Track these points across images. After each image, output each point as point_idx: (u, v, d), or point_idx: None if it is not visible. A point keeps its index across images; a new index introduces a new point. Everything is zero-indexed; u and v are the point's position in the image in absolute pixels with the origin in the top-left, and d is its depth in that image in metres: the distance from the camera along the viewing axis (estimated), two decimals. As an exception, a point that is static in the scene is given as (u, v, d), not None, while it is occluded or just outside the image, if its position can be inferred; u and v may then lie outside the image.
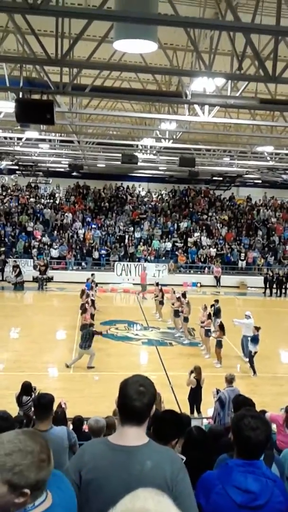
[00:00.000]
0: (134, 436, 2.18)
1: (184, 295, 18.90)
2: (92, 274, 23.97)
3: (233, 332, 15.77)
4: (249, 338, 14.57)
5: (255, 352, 14.26)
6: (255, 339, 14.22)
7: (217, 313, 17.52)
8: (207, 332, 15.82)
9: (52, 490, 1.86)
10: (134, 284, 27.83)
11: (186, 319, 17.63)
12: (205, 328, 15.94)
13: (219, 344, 14.95)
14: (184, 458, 2.98)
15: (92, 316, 15.33)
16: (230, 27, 6.92)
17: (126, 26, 5.44)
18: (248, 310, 16.44)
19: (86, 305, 16.72)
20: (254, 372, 14.18)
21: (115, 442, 2.20)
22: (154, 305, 21.47)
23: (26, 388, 8.71)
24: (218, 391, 9.32)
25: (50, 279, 26.87)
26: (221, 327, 15.09)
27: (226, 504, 2.29)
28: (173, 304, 18.95)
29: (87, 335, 14.08)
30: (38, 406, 4.13)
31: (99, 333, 14.84)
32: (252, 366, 14.27)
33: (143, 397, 2.18)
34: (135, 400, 2.17)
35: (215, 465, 3.32)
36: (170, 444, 2.86)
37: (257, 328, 14.32)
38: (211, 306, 17.65)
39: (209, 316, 16.16)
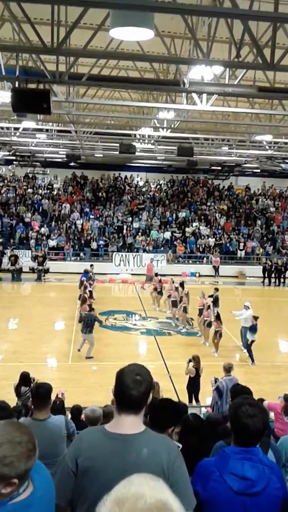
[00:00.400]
0: (130, 424, 2.20)
1: (182, 285, 18.93)
2: (91, 265, 23.99)
3: (231, 322, 15.83)
4: (247, 328, 14.63)
5: (253, 341, 14.33)
6: (253, 328, 14.28)
7: (215, 301, 17.59)
8: (208, 323, 15.84)
9: (32, 475, 1.91)
10: (132, 274, 27.85)
11: (185, 309, 17.67)
12: (204, 318, 15.99)
13: (218, 334, 15.00)
14: (180, 445, 3.00)
15: (90, 306, 15.37)
16: (227, 14, 6.85)
17: (122, 13, 5.38)
18: (247, 300, 16.51)
19: (85, 295, 16.76)
20: (253, 360, 14.26)
21: (112, 430, 2.22)
22: (152, 295, 21.49)
23: (25, 379, 8.74)
24: (216, 380, 9.38)
25: (46, 271, 26.82)
26: (218, 317, 15.14)
27: (223, 491, 2.30)
28: (169, 295, 18.98)
29: (89, 320, 14.18)
30: (36, 396, 4.15)
31: (99, 321, 14.94)
32: (250, 355, 14.35)
33: (140, 386, 2.19)
34: (132, 389, 2.18)
35: (212, 452, 3.35)
36: (166, 432, 2.88)
37: (255, 318, 14.38)
38: (210, 296, 17.70)
39: (208, 308, 16.20)
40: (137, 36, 5.88)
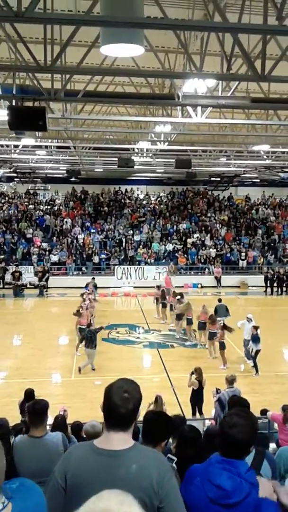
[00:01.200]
0: (119, 440, 2.18)
1: (181, 295, 18.89)
2: (93, 278, 23.98)
3: (235, 333, 15.76)
4: (249, 340, 14.59)
5: (258, 351, 14.23)
6: (255, 339, 14.21)
7: (218, 312, 17.54)
8: (212, 336, 15.78)
9: (14, 500, 1.79)
10: (134, 287, 27.83)
11: (189, 322, 17.64)
12: (209, 331, 15.94)
13: (222, 346, 14.94)
14: (175, 458, 2.98)
15: (88, 323, 15.33)
16: (217, 27, 6.94)
17: (112, 30, 5.46)
18: (250, 310, 16.47)
19: (80, 309, 16.69)
20: (257, 371, 14.16)
21: (101, 446, 2.20)
22: (155, 308, 21.45)
23: (29, 396, 8.69)
24: (218, 391, 9.32)
25: (43, 287, 26.70)
26: (224, 327, 15.09)
27: (200, 496, 2.34)
28: (173, 307, 18.95)
29: (89, 335, 14.14)
30: (32, 412, 4.12)
31: (100, 329, 14.87)
32: (255, 365, 14.25)
33: (128, 404, 2.18)
34: (120, 406, 2.17)
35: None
36: (159, 445, 2.86)
37: (256, 328, 14.33)
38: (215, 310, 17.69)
39: (210, 317, 16.14)
40: (127, 52, 5.96)
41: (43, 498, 1.96)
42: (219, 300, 18.59)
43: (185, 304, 17.90)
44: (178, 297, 18.89)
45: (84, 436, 5.74)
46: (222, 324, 15.34)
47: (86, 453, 2.23)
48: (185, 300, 18.39)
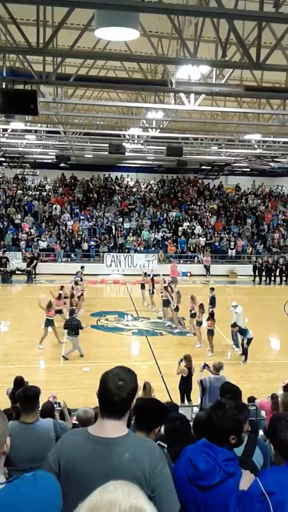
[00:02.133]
0: (113, 428, 2.19)
1: (170, 284, 18.95)
2: (82, 267, 23.85)
3: (223, 321, 15.88)
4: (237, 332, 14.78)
5: (250, 339, 14.29)
6: (243, 331, 14.32)
7: (212, 301, 17.66)
8: (199, 323, 15.90)
9: (17, 486, 1.76)
10: (123, 275, 27.82)
11: (176, 309, 17.70)
12: (197, 319, 16.03)
13: (210, 332, 15.05)
14: (165, 445, 2.99)
15: (71, 310, 15.25)
16: (213, 13, 6.85)
17: (107, 13, 5.36)
18: (238, 299, 16.60)
19: (51, 300, 16.64)
20: (245, 359, 14.27)
21: (95, 434, 2.21)
22: (144, 295, 21.47)
23: (19, 383, 8.67)
24: (205, 366, 9.44)
25: (29, 272, 26.54)
26: (212, 315, 15.19)
27: (181, 473, 2.45)
28: (161, 293, 18.99)
29: (73, 324, 14.15)
30: (23, 399, 4.10)
31: (82, 327, 14.69)
32: (245, 353, 14.31)
33: (122, 391, 2.18)
34: (115, 394, 2.17)
35: None
36: (153, 431, 2.88)
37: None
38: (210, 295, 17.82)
39: (200, 307, 16.20)
40: (122, 36, 5.87)
41: (58, 491, 1.89)
42: (212, 289, 18.67)
43: (175, 292, 17.97)
44: (166, 284, 18.88)
45: (75, 422, 5.74)
46: (210, 312, 15.44)
47: (80, 440, 2.23)
48: (176, 289, 18.44)
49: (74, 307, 16.48)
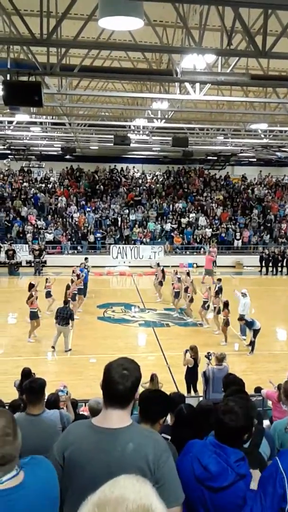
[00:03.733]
0: (117, 418, 2.19)
1: (188, 274, 19.06)
2: (86, 259, 23.78)
3: (231, 312, 15.86)
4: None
5: (257, 330, 14.30)
6: (250, 323, 14.30)
7: (219, 292, 17.68)
8: (204, 304, 15.98)
9: (26, 471, 1.90)
10: (130, 266, 27.83)
11: (191, 300, 17.78)
12: (213, 305, 16.09)
13: (226, 323, 15.07)
14: (169, 437, 3.00)
15: (65, 301, 15.27)
16: (217, 1, 6.76)
17: (111, 2, 5.31)
18: (245, 289, 16.54)
19: (48, 290, 16.67)
20: (252, 350, 14.26)
21: (98, 424, 2.22)
22: (153, 286, 21.49)
23: (27, 374, 8.73)
24: (209, 354, 9.49)
25: (43, 263, 26.83)
26: (226, 305, 15.18)
27: (188, 471, 2.40)
28: (172, 285, 19.02)
29: (65, 313, 14.19)
30: (29, 391, 4.13)
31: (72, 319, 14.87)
32: (252, 344, 14.31)
33: (126, 381, 2.19)
34: (119, 383, 2.18)
35: None
36: (158, 422, 2.89)
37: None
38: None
39: (216, 293, 16.24)
40: (126, 26, 5.81)
41: (53, 472, 2.06)
42: (219, 280, 18.71)
43: (190, 282, 18.04)
44: (179, 276, 18.96)
45: (82, 413, 5.77)
46: (224, 302, 15.44)
47: (84, 431, 2.25)
48: (191, 278, 18.54)
49: (69, 299, 16.57)
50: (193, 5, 9.28)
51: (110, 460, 2.06)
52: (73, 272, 20.02)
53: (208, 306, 16.71)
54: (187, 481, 2.36)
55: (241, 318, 14.81)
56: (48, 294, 18.16)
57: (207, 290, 17.09)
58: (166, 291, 20.36)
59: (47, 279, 18.91)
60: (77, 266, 20.67)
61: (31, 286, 16.36)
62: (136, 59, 13.09)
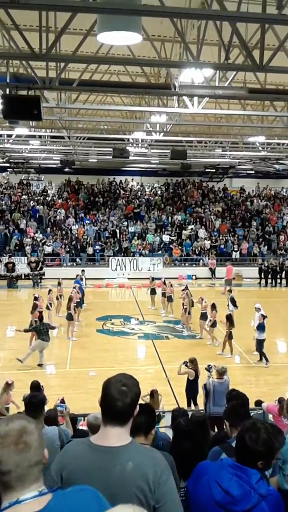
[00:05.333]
0: (116, 436, 2.14)
1: (186, 288, 19.03)
2: (82, 271, 23.67)
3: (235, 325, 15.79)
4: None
5: (261, 340, 14.23)
6: (260, 327, 14.23)
7: (233, 302, 17.64)
8: (214, 324, 15.88)
9: (55, 495, 1.61)
10: (129, 278, 27.79)
11: (187, 311, 17.73)
12: (201, 311, 16.01)
13: (229, 336, 14.98)
14: (170, 437, 2.98)
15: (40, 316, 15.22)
16: (215, 16, 6.83)
17: (109, 18, 5.36)
18: (244, 302, 16.55)
19: (36, 302, 16.64)
20: (267, 360, 14.19)
21: (97, 443, 2.16)
22: (153, 300, 21.39)
23: (35, 387, 8.65)
24: (210, 367, 9.41)
25: (41, 275, 26.78)
26: (228, 318, 15.10)
27: (206, 497, 2.30)
28: (180, 298, 18.90)
29: (44, 329, 14.11)
30: (29, 406, 4.07)
31: (52, 328, 14.98)
32: (263, 354, 14.25)
33: (125, 397, 2.14)
34: (117, 400, 2.13)
35: (209, 456, 3.31)
36: (150, 433, 2.88)
37: (264, 317, 14.41)
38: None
39: (212, 306, 16.16)
40: (125, 41, 5.87)
41: (91, 503, 1.65)
42: (230, 291, 18.83)
43: (186, 294, 18.02)
44: (187, 290, 18.94)
45: (81, 428, 5.69)
46: (226, 315, 15.36)
47: (82, 450, 2.19)
48: (187, 290, 18.53)
49: (73, 312, 16.54)
50: (191, 20, 9.40)
51: (110, 480, 2.00)
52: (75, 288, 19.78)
53: (207, 318, 16.61)
54: (206, 506, 2.28)
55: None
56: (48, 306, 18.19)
57: (200, 302, 16.95)
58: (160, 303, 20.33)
59: (50, 290, 18.85)
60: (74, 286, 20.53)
61: (35, 299, 16.71)
62: (135, 73, 13.21)
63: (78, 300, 18.74)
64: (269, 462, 2.48)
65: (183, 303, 18.16)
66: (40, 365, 14.05)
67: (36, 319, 15.28)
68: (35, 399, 4.11)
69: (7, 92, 9.84)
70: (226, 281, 24.54)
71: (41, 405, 4.12)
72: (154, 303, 21.01)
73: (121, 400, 2.13)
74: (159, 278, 22.72)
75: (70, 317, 16.81)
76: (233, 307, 17.46)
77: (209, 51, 9.95)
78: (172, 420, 5.20)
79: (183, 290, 18.83)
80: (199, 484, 2.37)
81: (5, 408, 8.93)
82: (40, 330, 14.07)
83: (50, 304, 18.44)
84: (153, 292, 21.09)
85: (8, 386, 8.98)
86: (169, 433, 5.49)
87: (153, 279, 21.71)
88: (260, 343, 14.31)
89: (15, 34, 8.25)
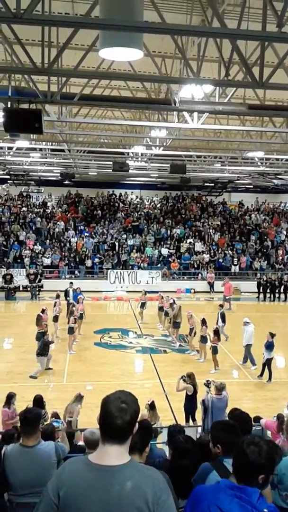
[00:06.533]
0: (115, 455, 2.10)
1: (173, 303, 18.93)
2: (71, 283, 23.31)
3: (229, 339, 15.73)
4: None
5: (270, 359, 14.12)
6: (270, 346, 14.08)
7: (222, 318, 17.64)
8: (204, 339, 15.76)
9: None
10: (127, 291, 27.73)
11: (177, 325, 17.65)
12: (201, 335, 15.93)
13: (214, 350, 14.90)
14: (166, 454, 2.95)
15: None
16: (215, 33, 6.92)
17: (111, 34, 5.42)
18: (243, 316, 16.46)
19: (40, 314, 16.61)
20: (270, 378, 14.10)
21: (95, 461, 2.11)
22: (142, 314, 21.26)
23: (38, 402, 8.58)
24: (208, 383, 9.34)
25: (40, 287, 26.70)
26: (216, 332, 15.06)
27: None
28: (169, 315, 18.87)
29: (43, 344, 14.33)
30: (24, 421, 3.99)
31: (50, 342, 15.11)
32: (269, 373, 14.16)
33: (125, 415, 2.10)
34: (116, 417, 2.09)
35: (198, 473, 3.25)
36: (144, 451, 2.85)
37: (272, 335, 14.09)
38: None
39: (203, 322, 16.06)
40: (126, 56, 5.92)
41: None
42: (221, 306, 18.89)
43: (176, 308, 17.92)
44: (171, 301, 18.89)
45: (79, 443, 5.63)
46: (214, 329, 15.31)
47: (80, 468, 2.14)
48: (178, 305, 18.42)
49: (74, 325, 16.53)
50: (191, 37, 9.52)
51: (108, 500, 1.96)
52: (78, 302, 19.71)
53: (195, 334, 16.51)
54: None
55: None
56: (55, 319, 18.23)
57: (191, 319, 16.84)
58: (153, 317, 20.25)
59: (55, 302, 18.89)
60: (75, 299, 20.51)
61: (42, 311, 16.92)
62: (135, 88, 13.35)
63: (82, 312, 18.73)
64: (269, 477, 2.43)
65: (172, 315, 18.12)
66: (32, 377, 14.02)
67: (42, 331, 15.25)
68: (30, 414, 4.03)
69: (9, 106, 9.91)
70: (224, 297, 24.47)
71: (37, 420, 4.05)
72: (142, 317, 20.84)
73: (121, 418, 2.09)
74: (156, 292, 22.71)
75: (71, 331, 16.74)
76: (221, 323, 17.43)
77: (209, 67, 10.08)
78: (168, 436, 5.14)
79: (171, 304, 18.72)
80: (199, 509, 2.32)
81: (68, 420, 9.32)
82: (47, 343, 14.32)
83: (57, 317, 18.37)
84: (142, 305, 20.91)
85: (81, 398, 9.67)
86: (166, 449, 5.43)
87: (145, 292, 21.63)
88: (267, 362, 14.17)
89: (17, 48, 8.34)
